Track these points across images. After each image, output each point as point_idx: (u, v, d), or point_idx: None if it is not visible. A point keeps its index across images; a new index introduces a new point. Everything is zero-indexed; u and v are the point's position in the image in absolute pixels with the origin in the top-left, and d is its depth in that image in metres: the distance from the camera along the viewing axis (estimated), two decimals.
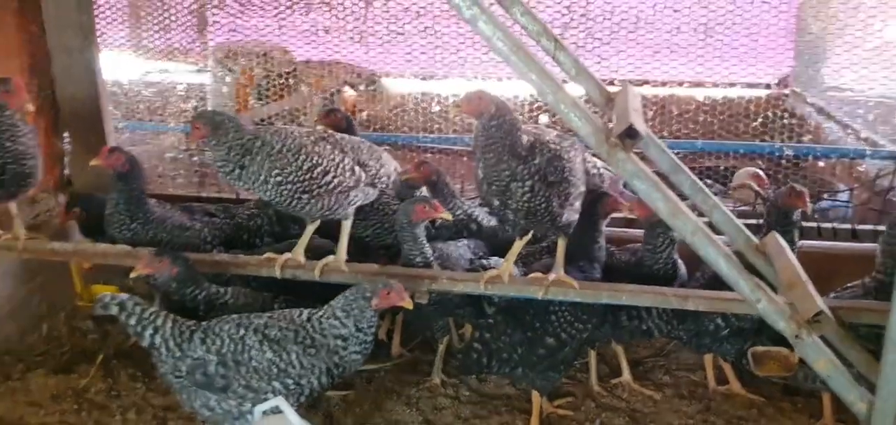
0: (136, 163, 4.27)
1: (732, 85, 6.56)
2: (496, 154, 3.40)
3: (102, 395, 4.22)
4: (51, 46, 5.16)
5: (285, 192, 3.63)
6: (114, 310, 3.33)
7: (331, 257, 3.88)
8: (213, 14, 6.56)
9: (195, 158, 6.31)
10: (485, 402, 4.21)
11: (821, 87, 6.61)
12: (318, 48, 6.48)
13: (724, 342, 4.06)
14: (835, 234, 4.92)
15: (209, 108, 6.60)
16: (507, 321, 3.86)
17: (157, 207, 4.35)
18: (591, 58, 5.77)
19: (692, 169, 3.52)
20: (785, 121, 6.14)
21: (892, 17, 5.72)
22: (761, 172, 5.32)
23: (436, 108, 6.56)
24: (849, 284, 3.83)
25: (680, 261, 4.06)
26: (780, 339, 3.08)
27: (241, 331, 3.29)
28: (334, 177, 3.71)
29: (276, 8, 6.31)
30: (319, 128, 4.36)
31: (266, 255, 3.96)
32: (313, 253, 3.93)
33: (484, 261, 4.09)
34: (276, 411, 3.22)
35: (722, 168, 6.14)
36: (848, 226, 5.03)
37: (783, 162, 5.85)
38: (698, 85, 6.45)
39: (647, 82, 6.30)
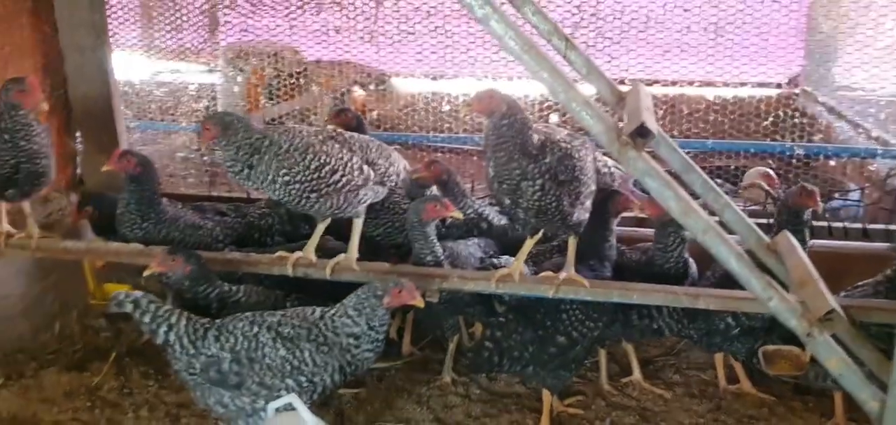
0: (148, 165, 4.27)
1: (743, 84, 6.51)
2: (507, 153, 3.40)
3: (115, 393, 4.25)
4: (63, 46, 5.18)
5: (293, 191, 3.64)
6: (128, 308, 3.35)
7: (342, 256, 3.90)
8: (225, 14, 6.57)
9: (206, 158, 6.32)
10: (495, 401, 4.22)
11: (831, 86, 6.58)
12: (328, 48, 6.48)
13: (735, 341, 4.06)
14: (846, 234, 4.90)
15: (220, 109, 6.63)
16: (518, 319, 3.86)
17: (169, 207, 4.36)
18: (602, 57, 5.75)
19: (703, 168, 3.51)
20: (795, 120, 6.10)
21: None
22: (772, 172, 5.29)
23: (446, 108, 6.56)
24: (859, 283, 3.83)
25: (691, 260, 4.06)
26: (790, 338, 3.08)
27: (255, 329, 3.31)
28: (342, 175, 3.71)
29: (287, 8, 6.31)
30: (330, 127, 4.38)
31: (278, 253, 3.98)
32: (324, 253, 3.94)
33: (494, 260, 4.10)
34: (289, 408, 3.25)
35: (732, 167, 6.11)
36: (859, 225, 5.00)
37: (794, 161, 5.81)
38: (709, 84, 6.42)
39: (657, 82, 6.27)
